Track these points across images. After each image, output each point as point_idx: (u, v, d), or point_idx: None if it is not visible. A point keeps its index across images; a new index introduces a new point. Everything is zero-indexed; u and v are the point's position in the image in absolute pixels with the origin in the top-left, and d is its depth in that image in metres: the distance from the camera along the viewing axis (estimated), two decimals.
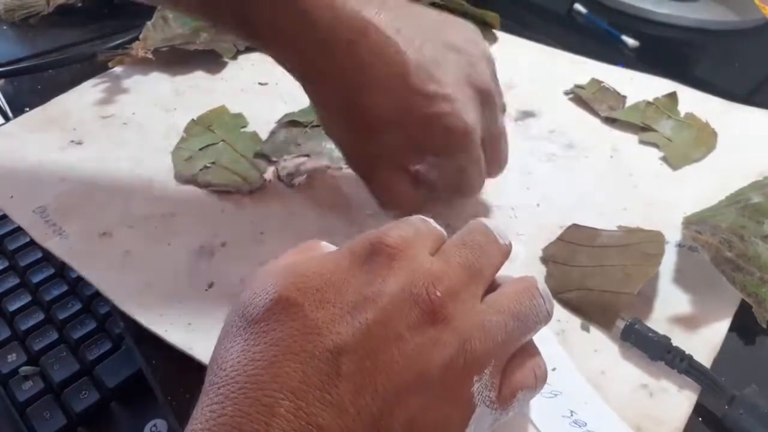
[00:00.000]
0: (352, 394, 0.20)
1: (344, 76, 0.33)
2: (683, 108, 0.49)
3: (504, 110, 0.37)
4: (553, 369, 0.27)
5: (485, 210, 0.40)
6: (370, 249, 0.23)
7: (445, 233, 0.26)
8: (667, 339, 0.31)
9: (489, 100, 0.35)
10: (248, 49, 0.56)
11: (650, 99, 0.49)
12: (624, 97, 0.50)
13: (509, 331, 0.24)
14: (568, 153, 0.45)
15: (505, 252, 0.26)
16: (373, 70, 0.32)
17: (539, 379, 0.25)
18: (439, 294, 0.22)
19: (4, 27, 0.62)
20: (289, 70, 0.35)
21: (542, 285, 0.26)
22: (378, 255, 0.23)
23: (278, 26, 0.33)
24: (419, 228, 0.25)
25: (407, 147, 0.35)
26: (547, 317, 0.25)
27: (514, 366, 0.24)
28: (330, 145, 0.44)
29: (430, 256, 0.24)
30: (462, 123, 0.33)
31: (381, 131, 0.34)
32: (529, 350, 0.26)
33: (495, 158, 0.37)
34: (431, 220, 0.26)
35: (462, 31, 0.36)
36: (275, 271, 0.24)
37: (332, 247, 0.27)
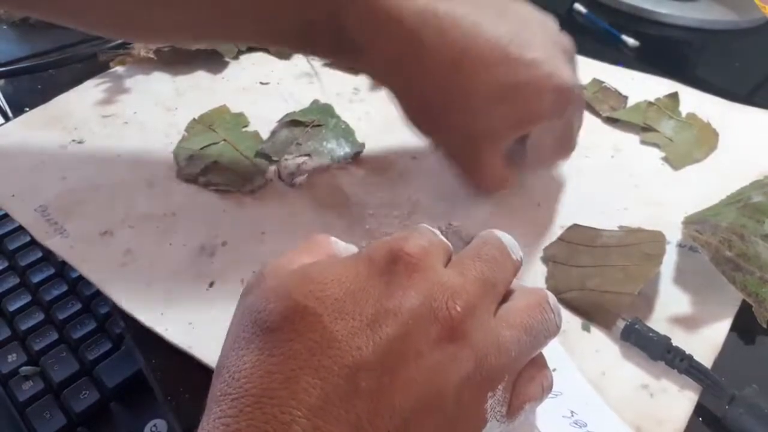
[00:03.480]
0: (370, 413, 0.20)
1: (436, 68, 0.34)
2: (684, 108, 0.49)
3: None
4: (554, 369, 0.27)
5: (486, 210, 0.40)
6: (390, 257, 0.23)
7: (450, 245, 0.26)
8: (668, 339, 0.31)
9: (572, 57, 0.38)
10: (249, 49, 0.56)
11: (651, 99, 0.49)
12: (625, 97, 0.50)
13: (522, 346, 0.23)
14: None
15: (517, 266, 0.26)
16: (468, 55, 0.34)
17: (546, 391, 0.25)
18: (458, 309, 0.22)
19: (4, 27, 0.62)
20: (381, 79, 0.37)
21: (552, 298, 0.26)
22: (397, 264, 0.23)
23: (365, 34, 0.35)
24: (432, 239, 0.25)
25: (524, 116, 0.35)
26: (557, 331, 0.25)
27: (524, 379, 0.24)
28: (331, 145, 0.44)
29: (445, 269, 0.24)
30: (566, 79, 0.35)
31: (489, 110, 0.35)
32: (538, 363, 0.25)
33: (581, 118, 0.40)
34: (438, 232, 0.26)
35: (527, 8, 0.38)
36: (288, 275, 0.23)
37: (341, 243, 0.26)
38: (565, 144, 0.40)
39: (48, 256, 0.42)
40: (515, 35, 0.34)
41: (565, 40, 0.38)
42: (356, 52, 0.36)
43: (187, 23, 0.37)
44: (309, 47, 0.39)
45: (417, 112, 0.37)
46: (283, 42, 0.40)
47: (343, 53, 0.37)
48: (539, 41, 0.35)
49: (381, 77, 0.38)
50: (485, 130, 0.36)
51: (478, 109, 0.35)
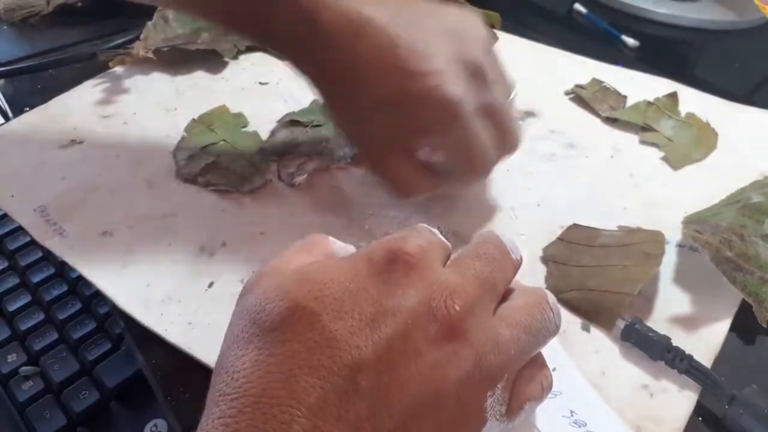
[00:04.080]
0: (369, 411, 0.20)
1: (344, 69, 0.34)
2: (684, 108, 0.49)
3: (510, 89, 0.38)
4: (553, 369, 0.27)
5: (486, 210, 0.40)
6: (389, 257, 0.23)
7: (450, 246, 0.26)
8: (668, 339, 0.31)
9: (479, 73, 0.35)
10: (249, 49, 0.56)
11: (651, 99, 0.49)
12: (625, 97, 0.50)
13: (521, 345, 0.23)
14: (568, 153, 0.45)
15: (517, 266, 0.26)
16: (367, 56, 0.34)
17: (546, 390, 0.25)
18: (457, 308, 0.22)
19: (4, 27, 0.62)
20: (299, 69, 0.37)
21: (552, 298, 0.26)
22: (396, 264, 0.23)
23: (285, 28, 0.35)
24: (431, 239, 0.25)
25: (407, 129, 0.35)
26: (556, 330, 0.25)
27: (524, 379, 0.24)
28: (330, 145, 0.44)
29: (444, 268, 0.24)
30: (450, 93, 0.33)
31: (379, 114, 0.35)
32: (538, 362, 0.25)
33: (500, 134, 0.37)
34: (437, 232, 0.26)
35: (458, 14, 0.37)
36: (287, 275, 0.23)
37: (339, 243, 0.27)
38: (470, 163, 0.36)
39: (48, 256, 0.42)
40: (416, 43, 0.33)
41: (478, 57, 0.35)
42: (282, 49, 0.38)
43: None
44: (238, 34, 0.41)
45: (330, 109, 0.38)
46: (209, 17, 0.41)
47: (269, 45, 0.40)
48: (441, 53, 0.34)
49: (298, 67, 0.38)
50: (372, 139, 0.36)
51: (363, 116, 0.35)
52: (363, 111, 0.35)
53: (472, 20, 0.37)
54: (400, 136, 0.35)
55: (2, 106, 0.51)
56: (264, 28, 0.36)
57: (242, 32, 0.41)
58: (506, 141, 0.37)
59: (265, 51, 0.56)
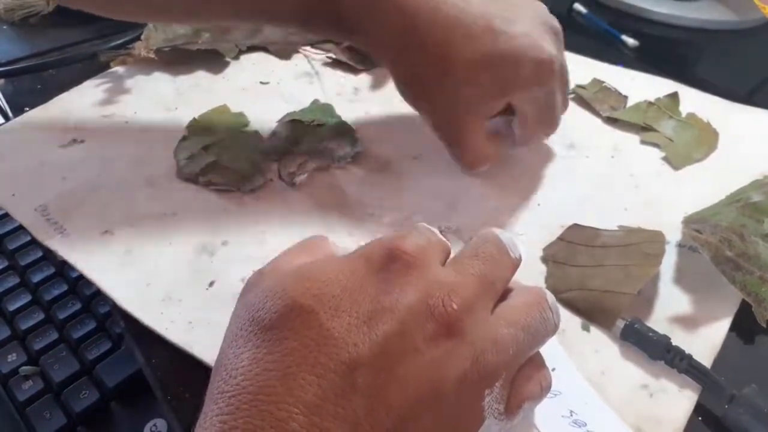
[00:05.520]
0: (367, 409, 0.20)
1: (427, 40, 0.36)
2: (685, 108, 0.49)
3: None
4: (553, 369, 0.27)
5: (486, 210, 0.40)
6: (387, 256, 0.23)
7: (449, 244, 0.26)
8: (667, 339, 0.31)
9: (559, 37, 0.40)
10: (250, 49, 0.56)
11: (652, 99, 0.49)
12: (625, 97, 0.50)
13: (520, 344, 0.24)
14: (569, 153, 0.45)
15: (516, 265, 0.26)
16: (455, 27, 0.36)
17: (544, 390, 0.25)
18: (455, 306, 0.22)
19: (4, 27, 0.62)
20: (372, 51, 0.40)
21: (551, 297, 0.26)
22: (395, 262, 0.23)
23: (362, 12, 0.37)
24: (430, 238, 0.25)
25: (495, 88, 0.37)
26: (555, 329, 0.26)
27: (522, 378, 0.24)
28: (331, 145, 0.44)
29: (443, 267, 0.24)
30: (546, 53, 0.37)
31: (472, 77, 0.37)
32: (536, 362, 0.26)
33: (564, 96, 0.42)
34: (437, 231, 0.26)
35: None
36: (286, 273, 0.23)
37: (339, 245, 0.27)
38: (549, 118, 0.41)
39: (48, 256, 0.42)
40: (502, 12, 0.37)
41: (554, 21, 0.40)
42: (350, 30, 0.39)
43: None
44: (305, 25, 0.41)
45: (407, 84, 0.39)
46: (279, 19, 0.43)
47: (337, 31, 0.40)
48: (525, 19, 0.38)
49: (374, 51, 0.40)
50: (469, 98, 0.38)
51: (462, 76, 0.37)
52: (457, 76, 0.37)
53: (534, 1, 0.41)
54: (496, 92, 0.38)
55: (2, 106, 0.51)
56: (337, 19, 0.38)
57: (317, 28, 0.42)
58: (565, 102, 0.43)
59: (266, 51, 0.56)
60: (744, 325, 0.33)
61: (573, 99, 0.51)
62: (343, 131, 0.46)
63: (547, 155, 0.45)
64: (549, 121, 0.42)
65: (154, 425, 0.34)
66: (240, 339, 0.22)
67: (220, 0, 0.41)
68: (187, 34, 0.55)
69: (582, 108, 0.50)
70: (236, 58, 0.55)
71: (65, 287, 0.41)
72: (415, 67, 0.38)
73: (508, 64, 0.37)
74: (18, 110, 0.49)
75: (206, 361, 0.31)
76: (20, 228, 0.41)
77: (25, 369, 0.36)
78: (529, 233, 0.39)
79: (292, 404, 0.19)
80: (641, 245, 0.35)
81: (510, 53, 0.36)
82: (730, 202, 0.38)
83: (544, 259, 0.37)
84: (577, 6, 0.68)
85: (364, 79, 0.53)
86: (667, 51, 0.64)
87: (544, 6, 0.41)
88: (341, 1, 0.37)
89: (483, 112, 0.39)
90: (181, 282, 0.35)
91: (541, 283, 0.36)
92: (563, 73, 0.40)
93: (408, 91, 0.40)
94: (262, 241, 0.38)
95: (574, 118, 0.49)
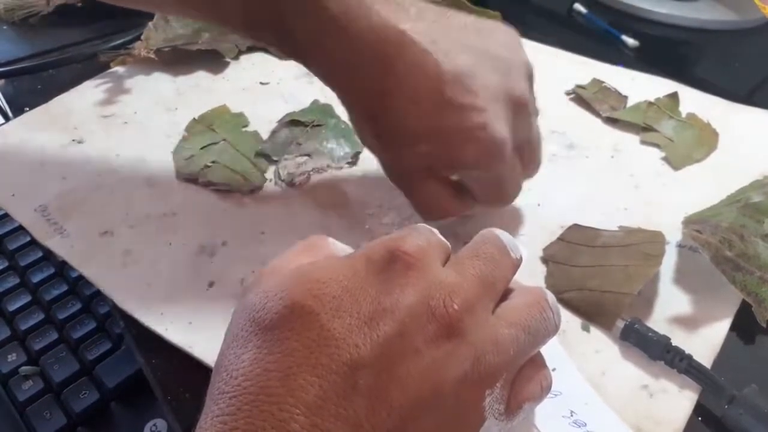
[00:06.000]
0: (368, 410, 0.20)
1: (377, 87, 0.32)
2: (684, 108, 0.49)
3: (537, 114, 0.37)
4: (553, 369, 0.27)
5: (485, 210, 0.40)
6: (388, 256, 0.23)
7: (449, 245, 0.26)
8: (667, 339, 0.31)
9: (522, 109, 0.34)
10: (250, 49, 0.56)
11: (652, 99, 0.49)
12: (625, 97, 0.50)
13: (520, 345, 0.23)
14: (569, 153, 0.45)
15: (516, 265, 0.26)
16: (407, 81, 0.32)
17: (545, 390, 0.25)
18: (456, 307, 0.22)
19: (4, 27, 0.62)
20: (325, 82, 0.35)
21: (551, 297, 0.26)
22: (395, 263, 0.23)
23: (311, 37, 0.33)
24: (430, 238, 0.25)
25: (442, 159, 0.34)
26: (556, 329, 0.25)
27: (523, 378, 0.24)
28: (331, 145, 0.44)
29: (443, 268, 0.24)
30: (495, 136, 0.32)
31: (414, 143, 0.33)
32: (537, 362, 0.25)
33: (530, 162, 0.37)
34: (437, 231, 0.26)
35: (499, 36, 0.35)
36: (287, 274, 0.23)
37: (339, 245, 0.27)
38: (497, 196, 0.37)
39: (48, 256, 0.42)
40: (459, 73, 0.32)
41: (521, 90, 0.34)
42: (301, 55, 0.35)
43: None
44: (255, 39, 0.39)
45: (357, 126, 0.36)
46: (230, 28, 0.39)
47: (287, 50, 0.35)
48: (485, 85, 0.32)
49: (324, 79, 0.35)
50: (414, 162, 0.34)
51: (403, 141, 0.33)
52: (398, 136, 0.33)
53: (513, 41, 0.36)
54: (437, 165, 0.34)
55: (2, 106, 0.51)
56: (285, 36, 0.34)
57: (263, 40, 0.38)
58: (533, 166, 0.38)
59: (266, 51, 0.56)
60: (744, 325, 0.33)
61: (573, 99, 0.51)
62: (343, 131, 0.46)
63: (548, 155, 0.45)
64: (497, 199, 0.37)
65: (154, 425, 0.34)
66: (240, 340, 0.22)
67: None
68: (186, 34, 0.55)
69: (582, 108, 0.50)
70: (236, 58, 0.55)
71: (65, 287, 0.41)
72: (365, 113, 0.34)
73: (450, 142, 0.33)
74: (18, 110, 0.50)
75: (206, 362, 0.31)
76: (20, 228, 0.41)
77: (25, 369, 0.36)
78: (529, 233, 0.39)
79: (293, 405, 0.19)
80: (641, 245, 0.35)
81: (453, 130, 0.32)
82: (730, 202, 0.38)
83: (544, 260, 0.37)
84: (577, 6, 0.68)
85: None
86: (667, 51, 0.64)
87: (525, 66, 0.35)
88: (293, 23, 0.33)
89: (433, 173, 0.35)
90: (181, 282, 0.35)
91: (541, 283, 0.36)
92: (526, 150, 0.36)
93: (358, 132, 0.36)
94: (261, 242, 0.38)
95: (574, 118, 0.49)
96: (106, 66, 0.53)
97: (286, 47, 0.35)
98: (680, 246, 0.38)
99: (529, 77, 0.36)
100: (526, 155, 0.36)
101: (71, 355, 0.37)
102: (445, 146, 0.33)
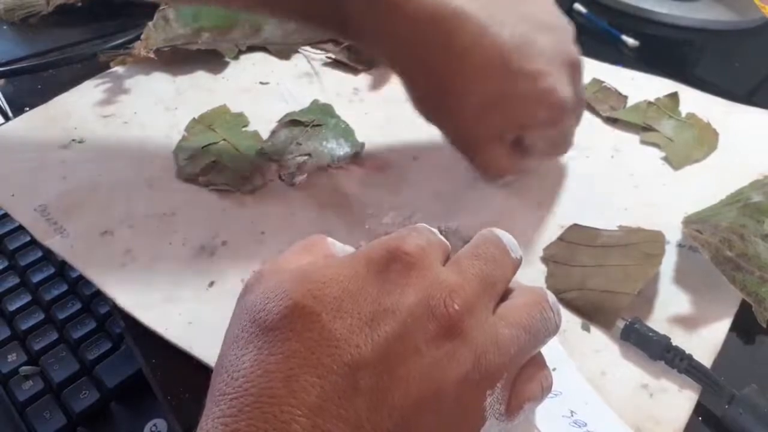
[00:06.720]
0: (369, 410, 0.20)
1: (439, 64, 0.34)
2: (684, 108, 0.49)
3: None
4: (553, 369, 0.27)
5: (486, 210, 0.40)
6: (388, 256, 0.23)
7: (449, 245, 0.26)
8: (667, 339, 0.31)
9: (577, 68, 0.37)
10: (250, 49, 0.56)
11: (651, 99, 0.49)
12: (625, 97, 0.50)
13: (521, 345, 0.23)
14: (569, 153, 0.45)
15: (517, 265, 0.26)
16: (470, 56, 0.33)
17: (545, 390, 0.25)
18: (456, 307, 0.22)
19: (4, 27, 0.62)
20: (386, 64, 0.38)
21: (552, 297, 0.26)
22: (395, 263, 0.23)
23: (370, 19, 0.35)
24: (430, 238, 0.25)
25: (514, 124, 0.36)
26: (556, 329, 0.25)
27: (524, 378, 0.24)
28: (331, 145, 0.44)
29: (444, 268, 0.24)
30: (563, 97, 0.35)
31: (485, 114, 0.35)
32: (538, 362, 0.25)
33: (581, 113, 0.40)
34: (437, 231, 0.26)
35: (540, 2, 0.37)
36: (287, 274, 0.23)
37: (338, 244, 0.27)
38: (560, 148, 0.41)
39: (48, 256, 0.42)
40: (520, 42, 0.34)
41: (573, 51, 0.37)
42: (360, 37, 0.37)
43: None
44: (315, 27, 0.40)
45: (418, 101, 0.38)
46: (290, 17, 0.41)
47: (346, 36, 0.38)
48: (544, 51, 0.35)
49: (386, 62, 0.38)
50: (477, 132, 0.37)
51: (471, 113, 0.36)
52: (467, 110, 0.35)
53: (552, 6, 0.38)
54: (509, 130, 0.37)
55: (2, 106, 0.51)
56: (343, 20, 0.36)
57: (322, 26, 0.40)
58: (580, 119, 0.41)
59: (266, 51, 0.56)
60: (744, 325, 0.33)
61: None
62: (343, 131, 0.46)
63: None
64: (561, 151, 0.42)
65: (154, 425, 0.34)
66: (241, 341, 0.22)
67: None
68: (186, 34, 0.55)
69: None
70: (236, 58, 0.55)
71: (65, 287, 0.41)
72: (425, 91, 0.37)
73: (521, 107, 0.35)
74: (18, 110, 0.49)
75: (206, 362, 0.31)
76: (20, 228, 0.41)
77: (25, 369, 0.36)
78: (529, 233, 0.39)
79: (295, 406, 0.19)
80: (641, 245, 0.36)
81: (524, 96, 0.35)
82: (730, 202, 0.38)
83: (545, 259, 0.37)
84: (577, 6, 0.68)
85: (363, 79, 0.53)
86: (667, 51, 0.64)
87: (569, 26, 0.38)
88: (351, 8, 0.35)
89: (496, 136, 0.38)
90: (181, 282, 0.35)
91: (541, 283, 0.36)
92: (580, 104, 0.39)
93: (419, 107, 0.38)
94: (261, 242, 0.38)
95: None
96: (105, 66, 0.53)
97: (346, 32, 0.37)
98: (680, 246, 0.38)
99: (574, 38, 0.38)
100: (579, 108, 0.39)
101: (71, 355, 0.37)
102: (518, 112, 0.35)
